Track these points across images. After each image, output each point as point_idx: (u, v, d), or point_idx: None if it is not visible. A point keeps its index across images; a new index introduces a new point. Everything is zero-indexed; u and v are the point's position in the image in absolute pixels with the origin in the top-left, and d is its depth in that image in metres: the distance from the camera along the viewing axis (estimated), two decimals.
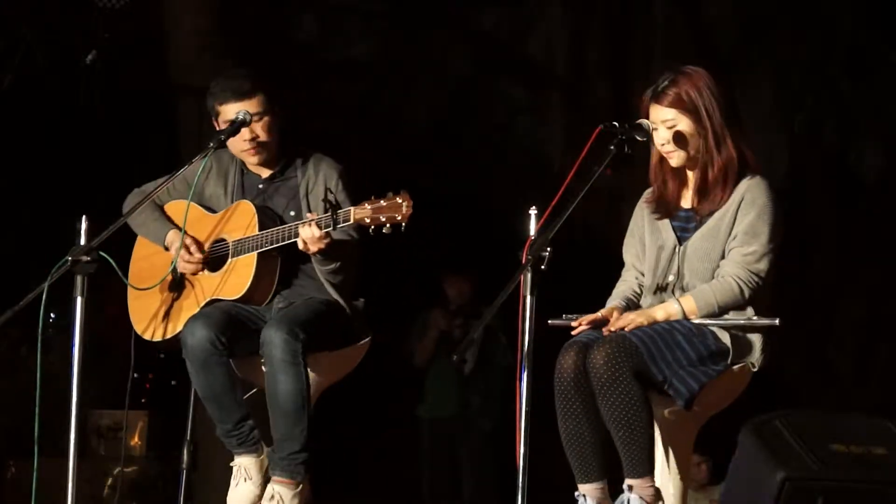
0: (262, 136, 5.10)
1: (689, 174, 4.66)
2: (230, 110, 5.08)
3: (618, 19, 10.55)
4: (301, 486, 4.95)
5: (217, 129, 5.15)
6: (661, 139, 4.59)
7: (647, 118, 4.59)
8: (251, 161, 5.18)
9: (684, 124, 4.56)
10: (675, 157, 4.60)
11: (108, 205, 5.29)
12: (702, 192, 4.61)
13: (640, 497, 4.39)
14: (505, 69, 10.90)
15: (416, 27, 10.73)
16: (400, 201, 4.72)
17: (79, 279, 4.67)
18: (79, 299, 4.68)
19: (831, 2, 9.90)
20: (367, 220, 4.74)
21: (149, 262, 5.25)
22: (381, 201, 4.74)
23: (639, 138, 4.56)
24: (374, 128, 10.35)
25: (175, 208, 5.24)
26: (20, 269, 8.53)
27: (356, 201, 4.86)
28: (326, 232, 4.84)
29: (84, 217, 4.74)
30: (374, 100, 10.68)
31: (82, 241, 4.70)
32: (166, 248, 5.18)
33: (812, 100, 9.98)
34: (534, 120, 10.91)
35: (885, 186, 10.10)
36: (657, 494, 4.43)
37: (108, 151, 9.27)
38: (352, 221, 4.78)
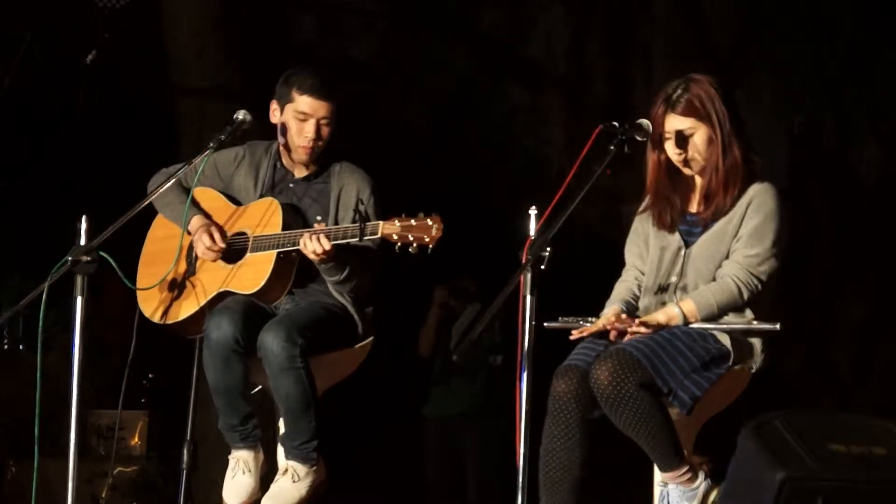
0: (322, 141, 5.10)
1: (698, 180, 4.64)
2: (304, 103, 5.06)
3: (618, 19, 10.55)
4: (315, 467, 4.98)
5: (271, 119, 5.13)
6: (678, 148, 4.56)
7: (662, 129, 4.56)
8: (298, 158, 5.14)
9: (701, 131, 4.54)
10: (692, 166, 4.59)
11: (109, 205, 5.28)
12: (707, 197, 4.60)
13: (677, 486, 4.43)
14: (505, 69, 10.89)
15: (416, 27, 10.72)
16: (430, 223, 4.67)
17: (79, 279, 4.66)
18: (79, 299, 4.67)
19: (831, 2, 9.90)
20: (395, 237, 4.70)
21: (166, 243, 5.22)
22: (412, 220, 4.69)
23: (639, 138, 4.55)
24: (374, 128, 10.34)
25: (202, 194, 5.21)
26: (20, 269, 8.53)
27: (385, 217, 4.82)
28: (326, 249, 4.81)
29: (84, 217, 4.73)
30: (374, 100, 10.66)
31: (82, 241, 4.69)
32: (188, 232, 5.13)
33: (812, 100, 9.98)
34: (534, 120, 10.90)
35: (885, 186, 10.10)
36: (693, 475, 4.45)
37: (109, 151, 9.27)
38: (379, 235, 4.75)
